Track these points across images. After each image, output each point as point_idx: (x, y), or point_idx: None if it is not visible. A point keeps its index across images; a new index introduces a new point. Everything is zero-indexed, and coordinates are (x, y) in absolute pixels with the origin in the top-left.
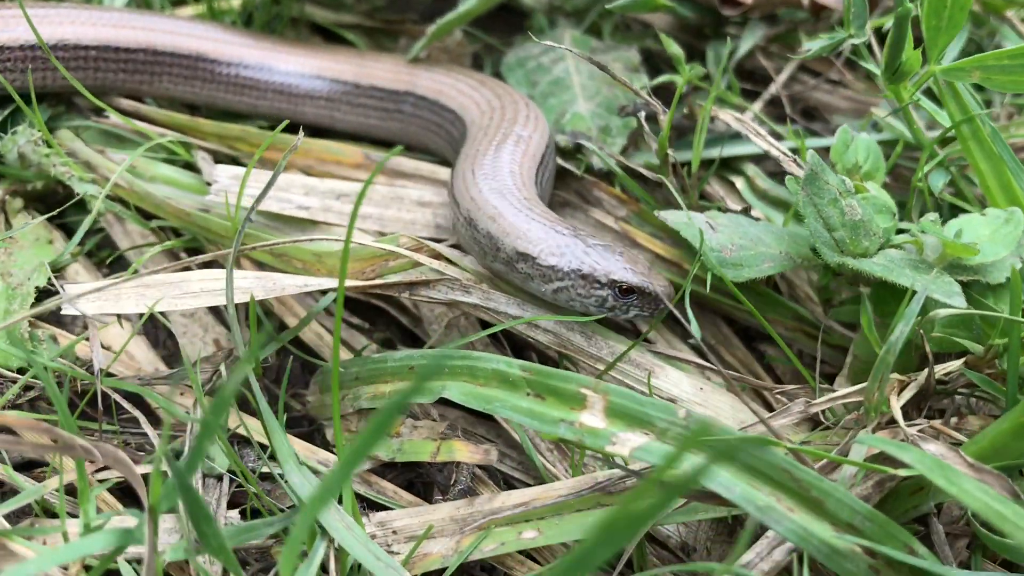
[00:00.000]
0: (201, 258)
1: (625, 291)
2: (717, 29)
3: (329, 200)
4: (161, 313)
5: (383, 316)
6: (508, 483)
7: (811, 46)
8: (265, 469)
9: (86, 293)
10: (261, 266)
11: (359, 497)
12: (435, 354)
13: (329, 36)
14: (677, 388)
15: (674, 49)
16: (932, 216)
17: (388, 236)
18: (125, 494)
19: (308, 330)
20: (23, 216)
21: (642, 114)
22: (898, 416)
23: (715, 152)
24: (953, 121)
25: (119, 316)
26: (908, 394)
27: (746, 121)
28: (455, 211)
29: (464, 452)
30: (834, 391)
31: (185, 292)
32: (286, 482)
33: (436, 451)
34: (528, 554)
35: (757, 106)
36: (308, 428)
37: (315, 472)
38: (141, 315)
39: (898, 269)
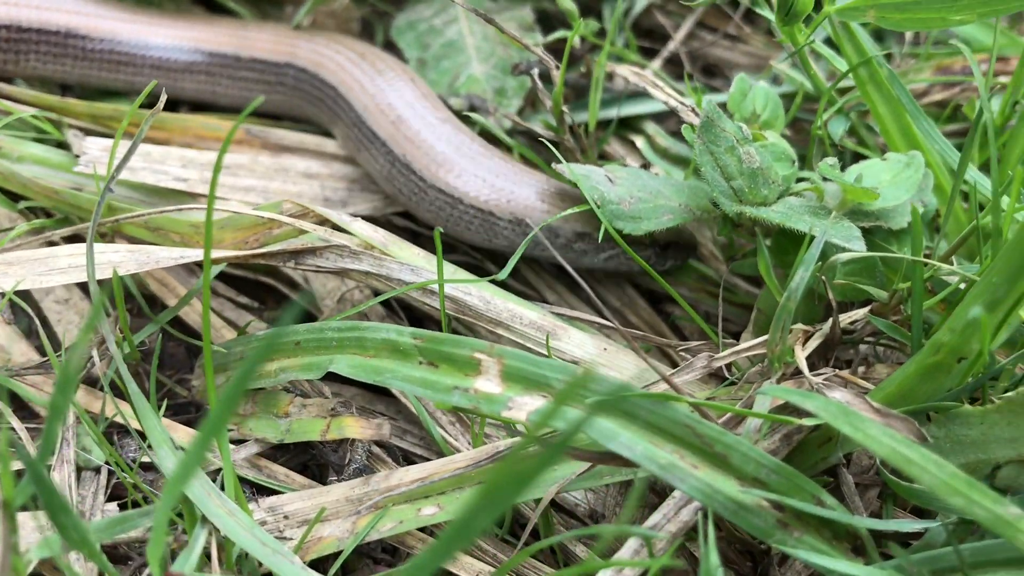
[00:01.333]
0: (63, 231)
1: (663, 247)
2: None
3: (208, 172)
4: (22, 298)
5: (273, 293)
6: (409, 459)
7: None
8: (146, 459)
9: None
10: (139, 243)
11: (248, 483)
12: (320, 326)
13: (212, 6)
14: (580, 349)
15: (567, 4)
16: (831, 161)
17: (270, 203)
18: None
19: (191, 311)
20: None
21: (535, 72)
22: (803, 366)
23: (613, 111)
24: (850, 65)
25: None
26: (813, 344)
27: (645, 75)
28: (497, 221)
29: (355, 428)
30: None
31: (51, 268)
32: (159, 469)
33: (326, 429)
34: (430, 531)
35: (656, 63)
36: (196, 414)
37: None
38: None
39: (797, 216)
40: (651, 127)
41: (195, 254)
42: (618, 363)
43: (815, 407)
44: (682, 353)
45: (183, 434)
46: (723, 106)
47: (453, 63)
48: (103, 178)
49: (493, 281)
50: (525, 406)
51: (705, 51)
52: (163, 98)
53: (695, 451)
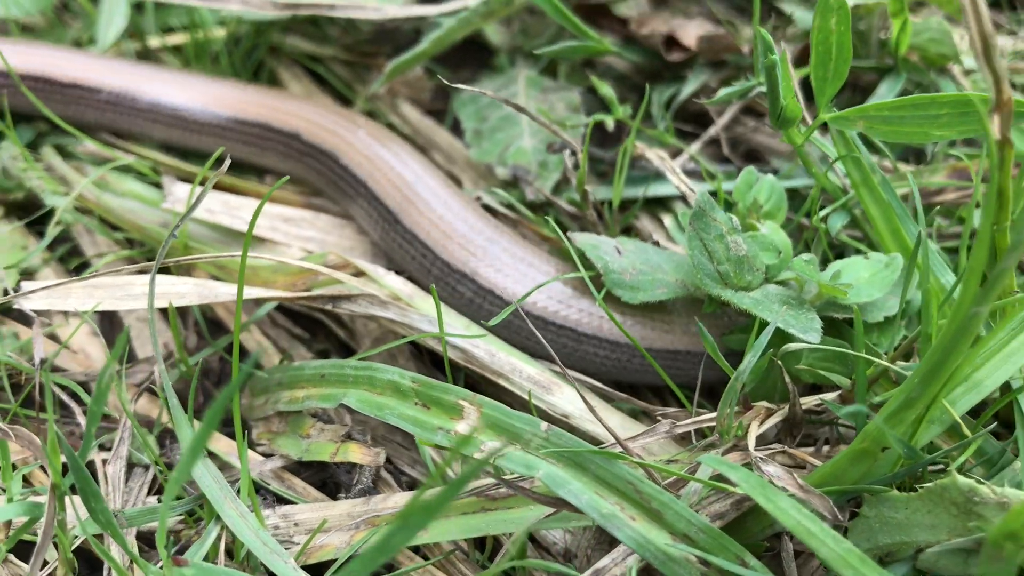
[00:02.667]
0: (142, 265)
1: None
2: (666, 73)
3: (276, 222)
4: (110, 316)
5: (323, 328)
6: (412, 486)
7: (723, 91)
8: None
9: (37, 290)
10: (210, 277)
11: (271, 492)
12: (342, 364)
13: (310, 70)
14: (571, 405)
15: (605, 90)
16: (807, 257)
17: (317, 254)
18: None
19: (251, 339)
20: (3, 224)
21: (567, 152)
22: (751, 441)
23: (641, 191)
24: (845, 167)
25: (66, 313)
26: (773, 420)
27: (665, 160)
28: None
29: (357, 454)
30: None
31: (128, 295)
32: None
33: (335, 452)
34: (416, 550)
35: (695, 147)
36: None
37: (227, 466)
38: (93, 314)
39: (767, 304)
40: (680, 206)
41: (249, 291)
42: (604, 421)
43: (737, 478)
44: (659, 416)
45: (224, 445)
46: (730, 193)
47: (506, 135)
48: (179, 215)
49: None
50: (495, 450)
51: (748, 136)
52: (227, 161)
53: (635, 505)
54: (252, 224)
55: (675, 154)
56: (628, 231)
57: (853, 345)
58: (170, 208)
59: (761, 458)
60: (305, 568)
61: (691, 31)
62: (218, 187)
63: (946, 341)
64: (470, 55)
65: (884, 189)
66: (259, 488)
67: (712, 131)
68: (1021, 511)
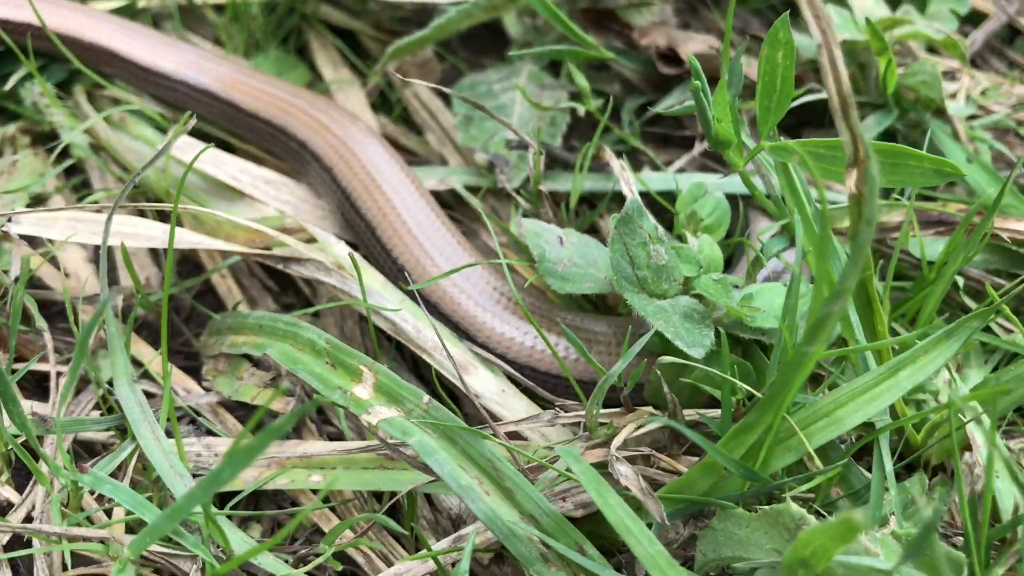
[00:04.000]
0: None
1: None
2: (663, 84)
3: (258, 181)
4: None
5: (292, 285)
6: (334, 436)
7: (667, 104)
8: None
9: (23, 213)
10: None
11: (203, 426)
12: (276, 318)
13: (345, 37)
14: (482, 386)
15: (580, 81)
16: (716, 276)
17: (273, 217)
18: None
19: (223, 283)
20: (27, 151)
21: (532, 150)
22: (617, 440)
23: (609, 188)
24: (784, 194)
25: (50, 241)
26: (653, 426)
27: (613, 159)
28: None
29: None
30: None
31: (97, 231)
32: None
33: (255, 396)
34: (326, 500)
35: (685, 159)
36: (195, 362)
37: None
38: (91, 244)
39: (666, 314)
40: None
41: (211, 243)
42: (509, 404)
43: (578, 470)
44: (558, 408)
45: (177, 376)
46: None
47: (495, 124)
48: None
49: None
50: (380, 414)
51: None
52: (191, 117)
53: (492, 481)
54: (190, 165)
55: (670, 161)
56: (594, 231)
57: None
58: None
59: (617, 457)
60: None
61: (690, 46)
62: (221, 144)
63: (780, 375)
64: (492, 43)
65: (816, 221)
66: (193, 419)
67: (696, 150)
68: (809, 539)
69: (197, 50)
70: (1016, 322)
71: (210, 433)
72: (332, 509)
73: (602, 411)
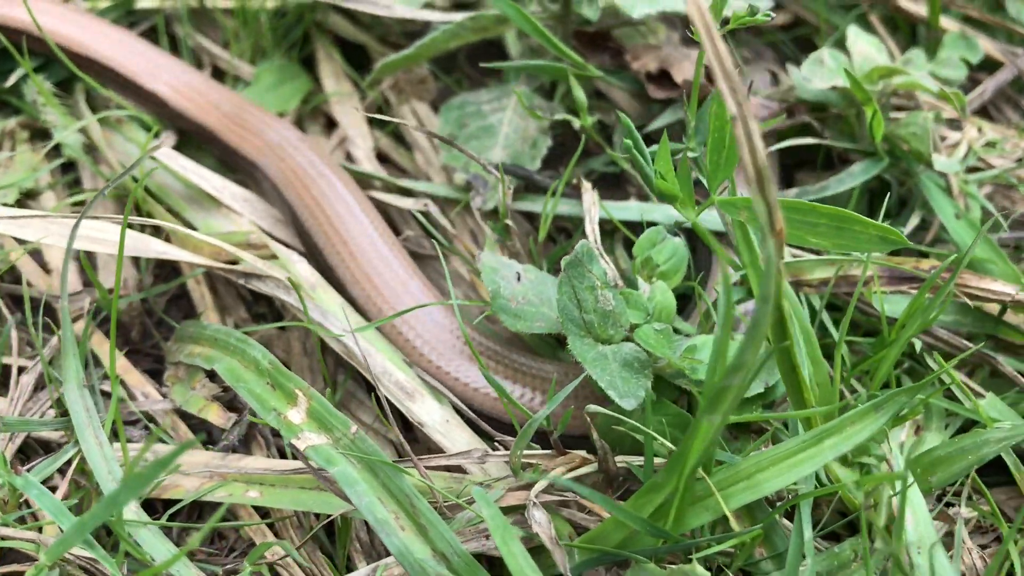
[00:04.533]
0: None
1: None
2: (655, 107)
3: (236, 194)
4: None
5: (266, 296)
6: (282, 452)
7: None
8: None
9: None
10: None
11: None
12: (230, 332)
13: (351, 49)
14: (427, 416)
15: (578, 95)
16: (660, 326)
17: (239, 232)
18: None
19: (197, 290)
20: (25, 146)
21: (496, 182)
22: (539, 486)
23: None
24: (737, 248)
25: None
26: (586, 470)
27: (586, 191)
28: None
29: (214, 414)
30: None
31: (76, 236)
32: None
33: (202, 408)
34: (257, 509)
35: None
36: (159, 365)
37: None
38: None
39: (604, 362)
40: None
41: (176, 253)
42: (452, 435)
43: (487, 515)
44: (498, 443)
45: (135, 379)
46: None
47: (480, 144)
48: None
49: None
50: (308, 440)
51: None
52: (161, 134)
53: (408, 517)
54: (140, 160)
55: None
56: None
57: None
58: (162, 159)
59: (535, 502)
60: (161, 501)
61: (684, 68)
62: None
63: (685, 440)
64: (488, 56)
65: (768, 274)
66: (147, 425)
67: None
68: None
69: (164, 56)
70: (967, 392)
71: (162, 440)
72: (271, 525)
73: (538, 452)
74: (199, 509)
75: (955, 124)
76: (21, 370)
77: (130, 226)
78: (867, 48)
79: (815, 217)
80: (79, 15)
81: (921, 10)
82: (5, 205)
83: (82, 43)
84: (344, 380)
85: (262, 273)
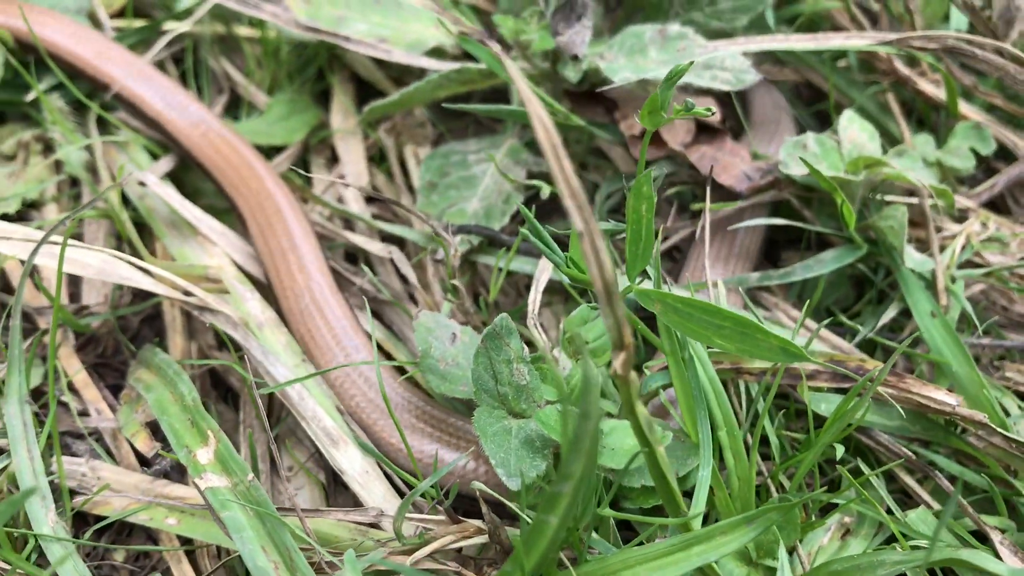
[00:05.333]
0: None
1: None
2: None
3: (213, 225)
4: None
5: None
6: None
7: None
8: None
9: None
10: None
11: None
12: (171, 363)
13: (365, 87)
14: (347, 464)
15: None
16: (558, 408)
17: (198, 265)
18: None
19: (170, 312)
20: (38, 158)
21: (452, 248)
22: (422, 552)
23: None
24: (662, 338)
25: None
26: (478, 540)
27: (544, 258)
28: None
29: (141, 441)
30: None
31: (51, 253)
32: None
33: (134, 434)
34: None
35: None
36: (121, 381)
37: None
38: None
39: (506, 437)
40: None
41: (140, 280)
42: (370, 485)
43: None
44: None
45: (92, 394)
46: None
47: (458, 194)
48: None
49: None
50: (209, 482)
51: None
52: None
53: (288, 568)
54: (113, 187)
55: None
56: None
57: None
58: (144, 181)
59: (412, 569)
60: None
61: (677, 129)
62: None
63: (524, 536)
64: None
65: (688, 367)
66: (97, 440)
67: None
68: None
69: (171, 84)
70: (877, 508)
71: (105, 457)
72: (190, 553)
73: (433, 518)
74: (129, 528)
75: (961, 213)
76: None
77: (113, 248)
78: (859, 135)
79: (720, 319)
80: (94, 36)
81: (942, 95)
82: (6, 215)
83: (96, 67)
84: (285, 417)
85: (212, 307)
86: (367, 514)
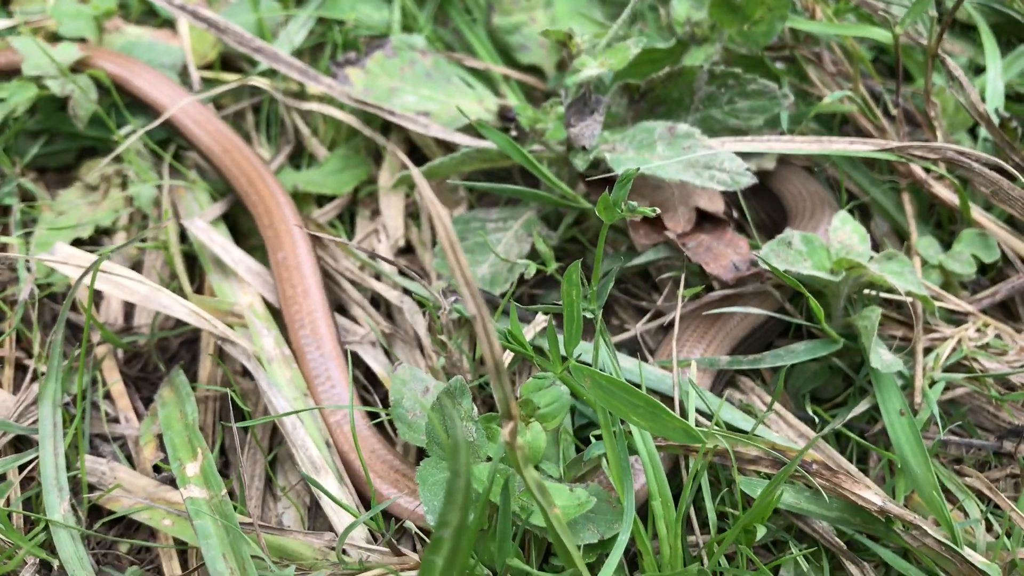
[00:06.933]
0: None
1: None
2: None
3: (250, 266)
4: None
5: None
6: None
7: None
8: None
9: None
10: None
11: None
12: (184, 384)
13: (416, 149)
14: (331, 491)
15: (540, 247)
16: (501, 467)
17: (226, 301)
18: None
19: (205, 337)
20: (117, 191)
21: (450, 300)
22: None
23: None
24: (597, 410)
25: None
26: (409, 573)
27: (530, 328)
28: None
29: (149, 450)
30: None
31: (107, 274)
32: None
33: (147, 442)
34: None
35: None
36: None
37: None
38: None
39: (440, 485)
40: None
41: (173, 309)
42: (341, 513)
43: None
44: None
45: (125, 403)
46: None
47: (472, 258)
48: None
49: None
50: (190, 492)
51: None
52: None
53: (242, 574)
54: (155, 229)
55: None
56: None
57: None
58: (190, 229)
59: None
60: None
61: (680, 215)
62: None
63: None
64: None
65: (618, 441)
66: (121, 445)
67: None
68: None
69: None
70: None
71: (124, 460)
72: (181, 552)
73: (377, 548)
74: (137, 526)
75: (959, 316)
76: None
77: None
78: (850, 237)
79: (636, 399)
80: (175, 88)
81: (958, 200)
82: (80, 239)
83: (177, 116)
84: (283, 442)
85: (230, 339)
86: (321, 537)
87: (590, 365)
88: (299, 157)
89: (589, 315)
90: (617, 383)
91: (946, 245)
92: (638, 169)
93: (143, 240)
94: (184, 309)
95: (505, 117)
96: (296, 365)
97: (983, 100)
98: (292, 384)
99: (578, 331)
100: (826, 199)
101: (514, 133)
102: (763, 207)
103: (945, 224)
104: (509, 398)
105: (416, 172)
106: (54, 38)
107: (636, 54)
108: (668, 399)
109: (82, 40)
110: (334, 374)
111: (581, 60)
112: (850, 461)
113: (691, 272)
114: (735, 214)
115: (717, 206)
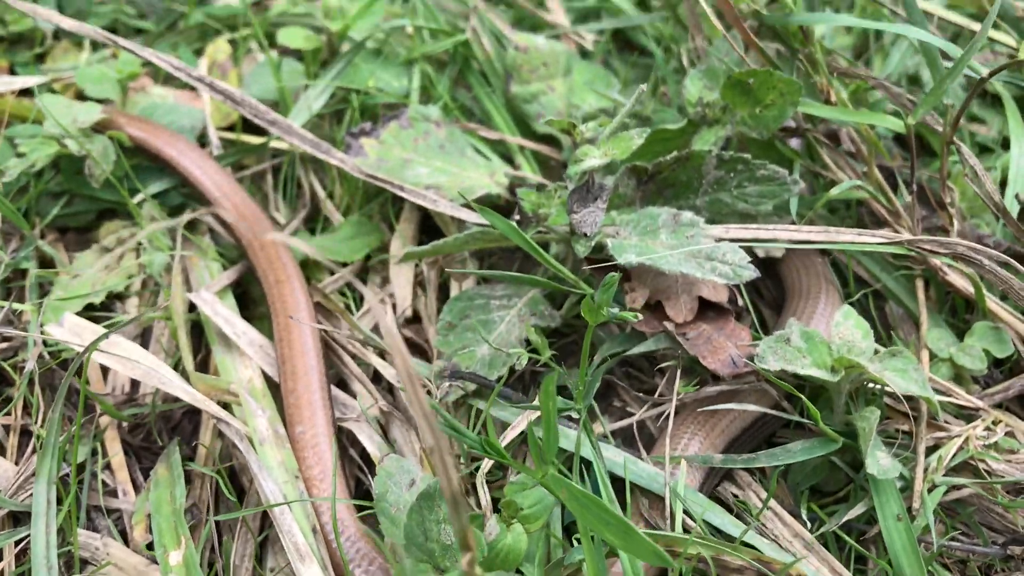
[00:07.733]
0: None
1: None
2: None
3: (253, 339)
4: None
5: None
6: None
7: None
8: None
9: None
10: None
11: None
12: (177, 462)
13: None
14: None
15: (532, 336)
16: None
17: (223, 380)
18: None
19: (204, 413)
20: (132, 254)
21: (448, 384)
22: None
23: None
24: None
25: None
26: None
27: (524, 420)
28: None
29: (138, 531)
30: None
31: (108, 354)
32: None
33: (138, 521)
34: None
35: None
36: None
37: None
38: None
39: None
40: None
41: (169, 387)
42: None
43: None
44: None
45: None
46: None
47: (474, 337)
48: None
49: None
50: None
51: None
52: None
53: None
54: (151, 311)
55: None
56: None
57: None
58: (195, 301)
59: None
60: None
61: (682, 304)
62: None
63: None
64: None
65: (596, 548)
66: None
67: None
68: None
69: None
70: None
71: (118, 537)
72: None
73: None
74: None
75: (971, 412)
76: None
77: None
78: (852, 333)
79: (608, 517)
80: (197, 154)
81: (972, 289)
82: (92, 304)
83: (198, 179)
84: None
85: (223, 419)
86: None
87: (585, 459)
88: (314, 220)
89: (576, 415)
90: (591, 499)
91: (961, 333)
92: (621, 273)
93: (149, 310)
94: (181, 388)
95: (516, 190)
96: (289, 446)
97: (1007, 180)
98: (283, 467)
99: (555, 441)
100: (823, 274)
101: (517, 217)
102: (772, 285)
103: (960, 312)
104: (467, 529)
105: (390, 322)
106: (82, 96)
107: (640, 144)
108: (660, 497)
109: (107, 101)
110: (325, 457)
111: (583, 150)
112: (848, 563)
113: (692, 360)
114: (740, 301)
115: (720, 296)
